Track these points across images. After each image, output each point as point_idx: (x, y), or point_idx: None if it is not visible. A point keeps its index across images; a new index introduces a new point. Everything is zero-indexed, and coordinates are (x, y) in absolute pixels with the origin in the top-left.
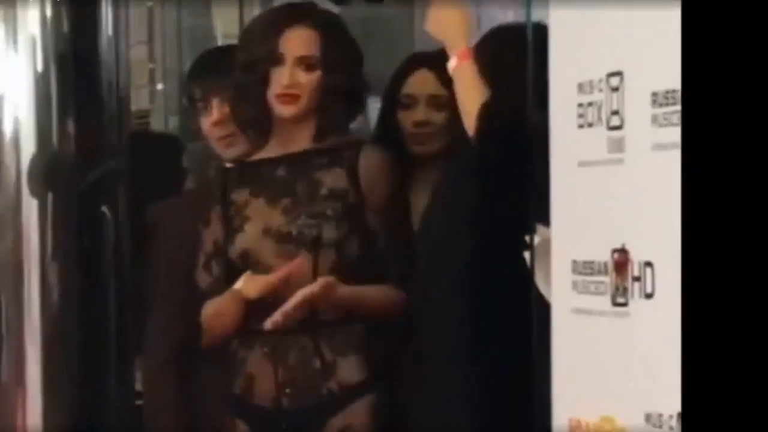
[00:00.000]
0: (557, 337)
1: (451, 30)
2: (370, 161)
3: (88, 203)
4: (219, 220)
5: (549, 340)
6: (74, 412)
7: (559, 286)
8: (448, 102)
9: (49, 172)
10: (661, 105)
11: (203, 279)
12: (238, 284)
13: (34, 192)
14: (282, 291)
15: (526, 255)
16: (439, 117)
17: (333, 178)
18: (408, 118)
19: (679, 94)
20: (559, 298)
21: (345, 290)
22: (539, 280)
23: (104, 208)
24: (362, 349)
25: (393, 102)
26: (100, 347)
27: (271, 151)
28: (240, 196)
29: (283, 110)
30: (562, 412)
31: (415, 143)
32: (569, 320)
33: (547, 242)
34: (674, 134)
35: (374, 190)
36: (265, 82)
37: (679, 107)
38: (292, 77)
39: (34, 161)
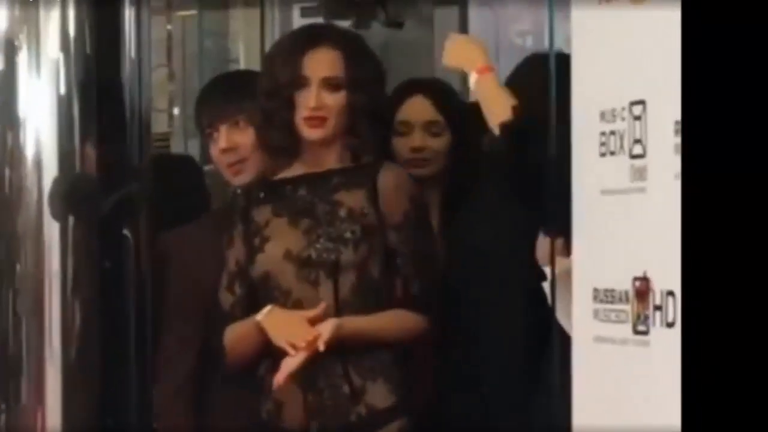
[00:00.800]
0: (578, 365)
1: (468, 56)
2: (388, 180)
3: (109, 226)
4: (241, 239)
5: (570, 369)
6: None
7: (580, 314)
8: (444, 128)
9: (71, 195)
10: None
11: (226, 299)
12: (261, 316)
13: (55, 215)
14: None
15: (546, 287)
16: (435, 143)
17: (353, 199)
18: (404, 145)
19: None
20: (580, 327)
21: (354, 325)
22: (560, 312)
23: (126, 231)
24: (391, 374)
25: (388, 128)
26: (121, 370)
27: (295, 169)
28: (262, 214)
29: (311, 133)
30: None
31: (411, 167)
32: (590, 349)
33: (567, 273)
34: None
35: (393, 208)
36: (290, 106)
37: None
38: (318, 99)
39: (56, 184)
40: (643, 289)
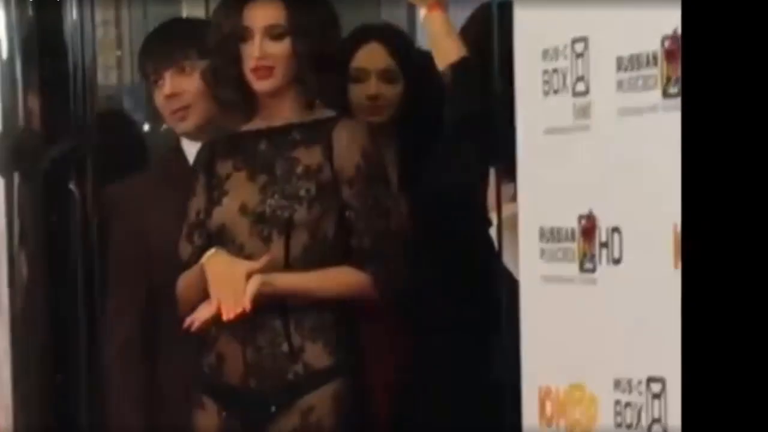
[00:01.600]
0: (526, 306)
1: None
2: (342, 135)
3: (54, 181)
4: (203, 191)
5: (518, 310)
6: (44, 388)
7: (526, 255)
8: (399, 75)
9: (15, 150)
10: (626, 70)
11: (185, 249)
12: (205, 258)
13: (0, 170)
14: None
15: (492, 232)
16: (390, 90)
17: (309, 156)
18: (360, 92)
19: (644, 58)
20: (526, 267)
21: (287, 282)
22: (506, 256)
23: (71, 186)
24: (332, 335)
25: (342, 74)
26: (69, 325)
27: (256, 123)
28: (224, 168)
29: (259, 85)
30: (532, 381)
31: (366, 115)
32: (537, 289)
33: (513, 218)
34: (639, 99)
35: (346, 163)
36: (237, 59)
37: (643, 71)
38: (262, 49)
39: (0, 140)
40: (588, 227)
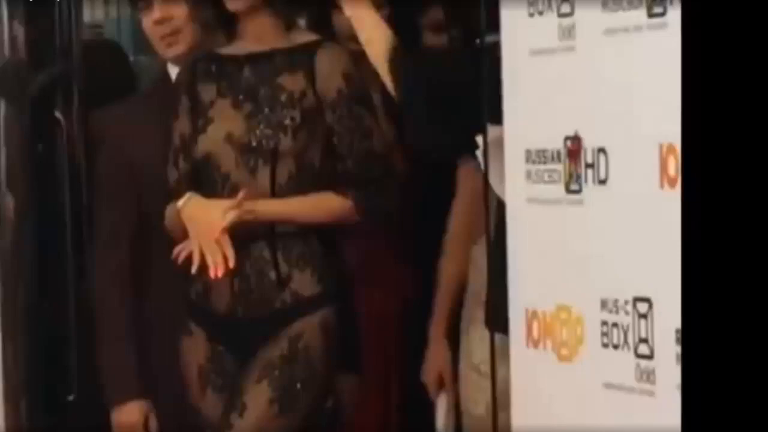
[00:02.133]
0: (512, 228)
1: None
2: (324, 60)
3: (40, 109)
4: (186, 115)
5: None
6: (31, 316)
7: (512, 176)
8: (383, 1)
9: (0, 78)
10: None
11: (171, 175)
12: (180, 202)
13: None
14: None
15: (479, 155)
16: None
17: (293, 82)
18: (344, 19)
19: None
20: (513, 189)
21: (268, 208)
22: (492, 178)
23: (58, 114)
24: (320, 263)
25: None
26: (57, 254)
27: (238, 48)
28: (207, 93)
29: (232, 4)
30: (518, 303)
31: (353, 42)
32: (524, 210)
33: (499, 140)
34: (624, 19)
35: (328, 87)
36: None
37: None
38: None
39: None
40: (574, 148)
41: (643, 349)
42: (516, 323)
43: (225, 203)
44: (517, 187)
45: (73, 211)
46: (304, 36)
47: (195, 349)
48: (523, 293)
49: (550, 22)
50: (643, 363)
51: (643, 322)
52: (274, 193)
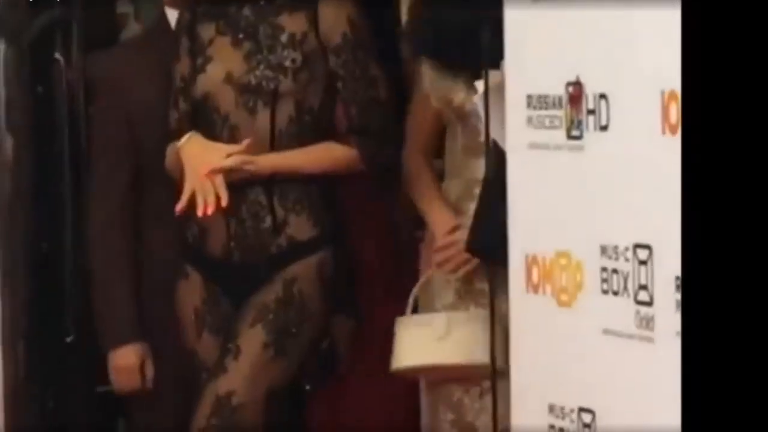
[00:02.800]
0: (513, 173)
1: None
2: (329, 2)
3: (40, 50)
4: (187, 55)
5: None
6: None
7: (514, 122)
8: None
9: (0, 19)
10: None
11: (172, 116)
12: (181, 142)
13: None
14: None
15: (478, 100)
16: None
17: (294, 23)
18: None
19: None
20: (514, 134)
21: (270, 161)
22: (493, 126)
23: (57, 55)
24: (316, 208)
25: None
26: (55, 196)
27: None
28: (206, 31)
29: None
30: (519, 248)
31: None
32: (524, 156)
33: (499, 87)
34: None
35: (332, 31)
36: None
37: None
38: None
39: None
40: (576, 94)
41: (643, 295)
42: (516, 268)
43: (228, 147)
44: (517, 132)
45: (72, 154)
46: None
47: (191, 291)
48: (523, 238)
49: None
50: (643, 310)
51: (643, 268)
52: (274, 135)
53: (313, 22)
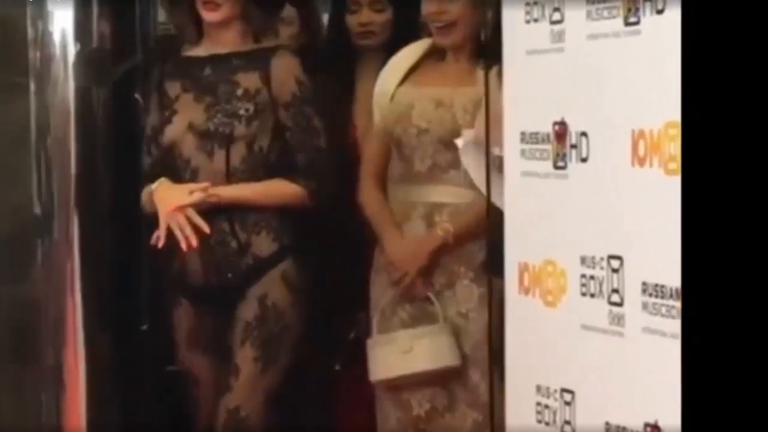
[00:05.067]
0: (509, 195)
1: None
2: (280, 64)
3: (122, 92)
4: (156, 108)
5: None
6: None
7: (510, 153)
8: (386, 5)
9: (90, 65)
10: (595, 2)
11: (145, 162)
12: (153, 185)
13: (78, 83)
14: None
15: (461, 154)
16: (379, 18)
17: (249, 80)
18: (354, 21)
19: None
20: (510, 163)
21: (231, 192)
22: (473, 175)
23: (137, 96)
24: (272, 225)
25: (341, 7)
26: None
27: (202, 50)
28: (173, 89)
29: (208, 16)
30: (512, 257)
31: (360, 39)
32: (518, 182)
33: (472, 144)
34: (605, 26)
35: (283, 89)
36: None
37: (608, 3)
38: None
39: (78, 57)
40: (561, 132)
41: (615, 297)
42: (510, 274)
43: (191, 186)
44: (513, 162)
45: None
46: (260, 42)
47: (184, 316)
48: (517, 249)
49: (543, 28)
50: (615, 309)
51: (615, 275)
52: (229, 173)
53: (266, 80)
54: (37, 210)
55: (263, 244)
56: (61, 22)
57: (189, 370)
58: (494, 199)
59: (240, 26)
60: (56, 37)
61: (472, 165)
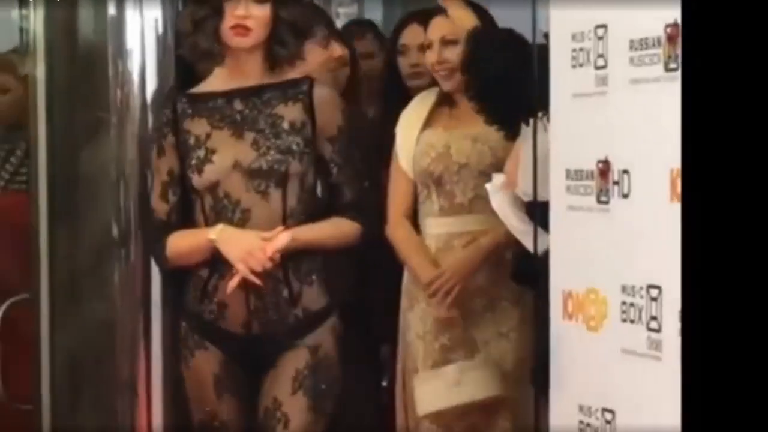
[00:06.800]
0: (555, 228)
1: None
2: (324, 95)
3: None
4: (174, 149)
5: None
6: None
7: (556, 189)
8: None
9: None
10: (636, 49)
11: (161, 208)
12: (213, 234)
13: (156, 124)
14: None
15: (492, 198)
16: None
17: (291, 112)
18: (405, 62)
19: (650, 41)
20: (556, 198)
21: (304, 235)
22: (501, 215)
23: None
24: (323, 277)
25: (394, 50)
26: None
27: (223, 83)
28: (198, 127)
29: (236, 42)
30: (558, 285)
31: (410, 79)
32: (564, 215)
33: (500, 188)
34: (646, 72)
35: (329, 122)
36: (219, 14)
37: (649, 51)
38: (246, 8)
39: (155, 95)
40: (604, 169)
41: (653, 324)
42: (555, 301)
43: (260, 233)
44: (559, 197)
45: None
46: (287, 73)
47: (209, 360)
48: (562, 278)
49: (588, 72)
50: (653, 335)
51: (654, 303)
52: (286, 215)
53: (310, 112)
54: (115, 233)
55: (314, 296)
56: (138, 60)
57: (214, 414)
58: (520, 237)
59: (263, 54)
60: (135, 76)
61: (500, 207)
